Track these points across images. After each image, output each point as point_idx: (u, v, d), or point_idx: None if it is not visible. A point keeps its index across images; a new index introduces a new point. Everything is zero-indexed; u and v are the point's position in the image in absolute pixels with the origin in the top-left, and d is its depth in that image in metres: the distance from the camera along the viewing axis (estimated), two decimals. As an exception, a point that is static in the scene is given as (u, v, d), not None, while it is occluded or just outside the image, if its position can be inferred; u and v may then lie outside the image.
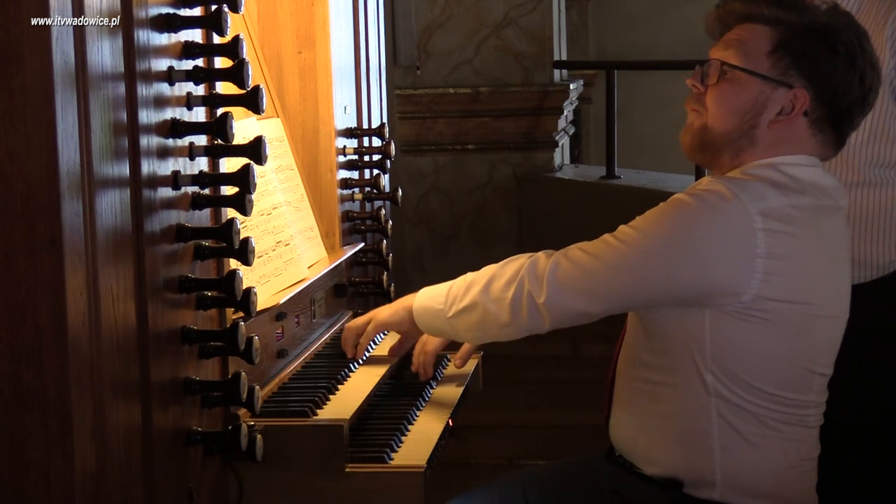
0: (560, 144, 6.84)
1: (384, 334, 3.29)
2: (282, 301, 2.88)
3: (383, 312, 3.10)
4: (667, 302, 2.66)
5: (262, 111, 2.50)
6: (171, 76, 2.32)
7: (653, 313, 2.71)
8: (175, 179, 2.34)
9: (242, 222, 2.48)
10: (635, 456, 2.79)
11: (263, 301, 2.74)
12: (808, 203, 2.67)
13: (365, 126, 3.69)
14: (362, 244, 3.59)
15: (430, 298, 2.95)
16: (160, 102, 2.29)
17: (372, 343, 3.19)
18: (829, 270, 2.74)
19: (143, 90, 2.22)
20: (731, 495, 2.69)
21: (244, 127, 2.82)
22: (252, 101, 2.46)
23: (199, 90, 2.43)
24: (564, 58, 7.14)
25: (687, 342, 2.66)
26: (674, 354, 2.69)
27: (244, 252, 2.45)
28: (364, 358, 3.16)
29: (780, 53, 2.69)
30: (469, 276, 2.89)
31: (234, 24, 2.50)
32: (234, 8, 2.41)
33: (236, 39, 2.44)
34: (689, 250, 2.62)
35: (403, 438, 2.80)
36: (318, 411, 2.72)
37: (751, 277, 2.60)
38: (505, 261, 2.82)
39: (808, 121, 2.71)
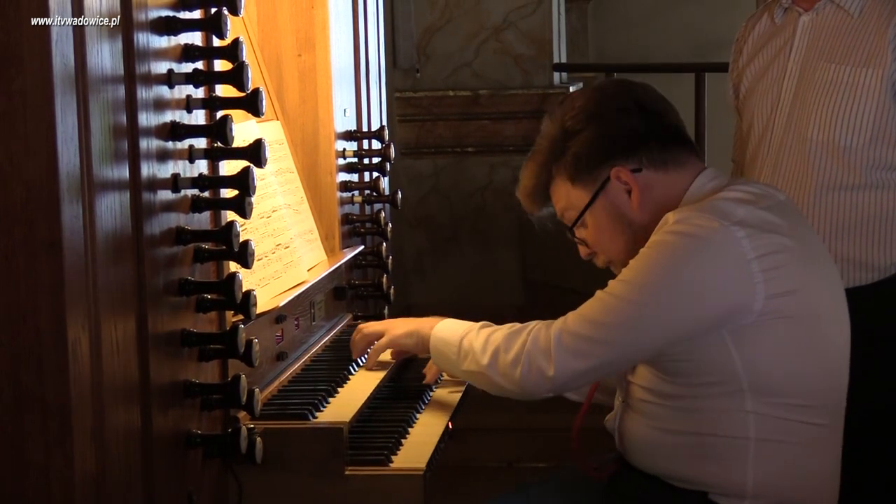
0: (560, 147, 6.83)
1: None
2: (281, 304, 2.88)
3: (399, 329, 3.07)
4: (683, 339, 2.62)
5: (262, 114, 2.50)
6: (170, 79, 2.32)
7: (668, 352, 2.68)
8: (175, 182, 2.34)
9: (242, 225, 2.48)
10: (657, 472, 2.76)
11: (263, 304, 2.74)
12: (769, 203, 2.70)
13: (364, 129, 3.69)
14: (362, 247, 3.59)
15: (445, 343, 2.93)
16: (160, 105, 2.29)
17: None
18: (816, 258, 2.75)
19: (143, 93, 2.22)
20: None
21: (244, 130, 2.82)
22: (252, 103, 2.46)
23: (199, 93, 2.43)
24: (564, 60, 7.15)
25: (716, 370, 2.63)
26: (705, 383, 2.65)
27: (244, 255, 2.45)
28: (364, 360, 3.15)
29: (577, 177, 2.77)
30: (479, 335, 2.85)
31: (234, 27, 2.50)
32: (234, 11, 2.41)
33: (236, 42, 2.44)
34: (688, 285, 2.61)
35: (403, 441, 2.80)
36: (318, 414, 2.72)
37: (753, 283, 2.59)
38: (507, 332, 2.79)
39: (649, 169, 2.75)
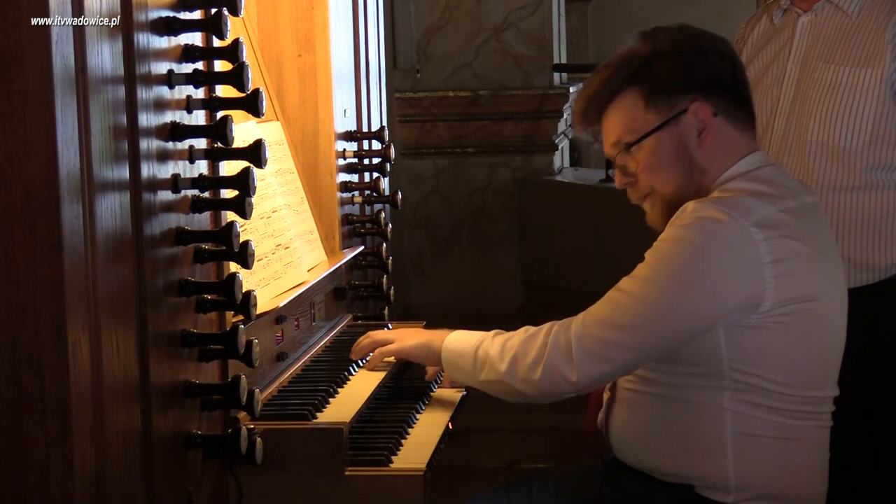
0: (559, 148, 6.84)
1: None
2: (281, 304, 2.88)
3: (409, 341, 3.05)
4: (695, 335, 2.64)
5: (262, 114, 2.50)
6: (170, 79, 2.32)
7: None
8: (175, 183, 2.34)
9: (242, 225, 2.48)
10: (642, 465, 2.78)
11: (263, 304, 2.74)
12: (791, 205, 2.69)
13: (364, 129, 3.70)
14: (362, 247, 3.59)
15: (458, 355, 2.91)
16: (160, 106, 2.29)
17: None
18: (827, 263, 2.76)
19: (143, 93, 2.22)
20: (746, 498, 2.69)
21: (244, 130, 2.82)
22: (252, 104, 2.47)
23: (199, 93, 2.43)
24: (564, 61, 7.14)
25: (701, 361, 2.65)
26: (686, 372, 2.67)
27: (244, 255, 2.45)
28: (364, 361, 3.15)
29: (653, 98, 2.73)
30: (494, 342, 2.82)
31: (234, 28, 2.50)
32: (234, 11, 2.41)
33: (236, 43, 2.44)
34: (701, 282, 2.61)
35: (403, 441, 2.80)
36: (318, 414, 2.72)
37: (764, 287, 2.60)
38: (523, 337, 2.76)
39: (723, 118, 2.74)
